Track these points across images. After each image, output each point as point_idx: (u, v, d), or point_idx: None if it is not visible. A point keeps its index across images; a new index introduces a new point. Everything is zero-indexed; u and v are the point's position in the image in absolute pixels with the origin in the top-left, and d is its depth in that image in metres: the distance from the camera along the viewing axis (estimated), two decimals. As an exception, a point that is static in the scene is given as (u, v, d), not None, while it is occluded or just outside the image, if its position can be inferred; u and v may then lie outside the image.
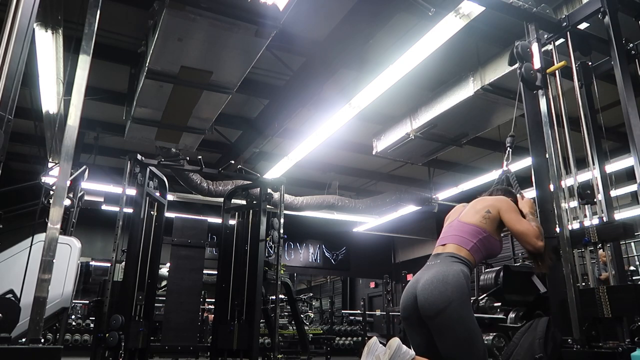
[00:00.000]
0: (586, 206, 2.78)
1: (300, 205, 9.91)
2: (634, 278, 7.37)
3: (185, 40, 4.12)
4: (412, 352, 2.10)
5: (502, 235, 2.51)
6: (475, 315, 3.04)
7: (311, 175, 10.66)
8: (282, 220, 5.75)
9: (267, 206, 5.67)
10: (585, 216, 2.78)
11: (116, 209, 5.04)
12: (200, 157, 5.75)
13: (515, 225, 2.43)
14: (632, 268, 7.88)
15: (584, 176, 3.01)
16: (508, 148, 3.19)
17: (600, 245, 2.63)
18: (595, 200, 2.76)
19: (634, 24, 3.21)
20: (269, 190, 5.75)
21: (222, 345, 5.26)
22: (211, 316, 9.63)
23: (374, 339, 2.24)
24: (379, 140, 7.36)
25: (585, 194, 2.77)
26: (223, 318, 5.40)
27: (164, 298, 6.35)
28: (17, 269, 3.19)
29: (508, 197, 2.62)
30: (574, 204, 2.81)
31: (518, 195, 2.71)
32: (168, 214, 5.59)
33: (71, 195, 4.81)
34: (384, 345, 2.15)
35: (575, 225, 2.78)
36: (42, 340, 2.06)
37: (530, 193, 3.00)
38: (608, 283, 2.67)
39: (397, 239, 15.74)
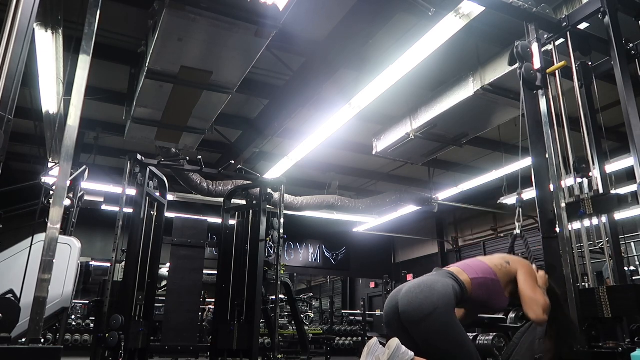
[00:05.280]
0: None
1: (300, 205, 9.91)
2: (634, 278, 7.37)
3: (185, 40, 4.12)
4: (411, 353, 2.09)
5: (508, 292, 2.45)
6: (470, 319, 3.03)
7: (311, 175, 10.66)
8: (282, 220, 5.75)
9: (267, 206, 5.67)
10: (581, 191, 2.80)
11: (116, 209, 5.04)
12: (200, 157, 5.75)
13: (528, 289, 2.39)
14: (632, 268, 7.87)
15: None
16: (518, 208, 3.19)
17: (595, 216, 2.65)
18: (590, 175, 2.78)
19: (634, 24, 3.21)
20: (269, 190, 5.75)
21: (222, 345, 5.26)
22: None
23: (374, 340, 2.23)
24: (379, 140, 7.36)
25: (580, 167, 2.80)
26: (223, 318, 5.40)
27: (164, 298, 6.35)
28: (17, 269, 3.18)
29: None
30: (570, 181, 2.82)
31: (534, 266, 2.67)
32: (168, 214, 5.59)
33: (71, 195, 4.80)
34: (384, 345, 2.15)
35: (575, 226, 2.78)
36: (42, 340, 2.06)
37: (530, 193, 3.00)
38: None
39: (397, 239, 15.74)
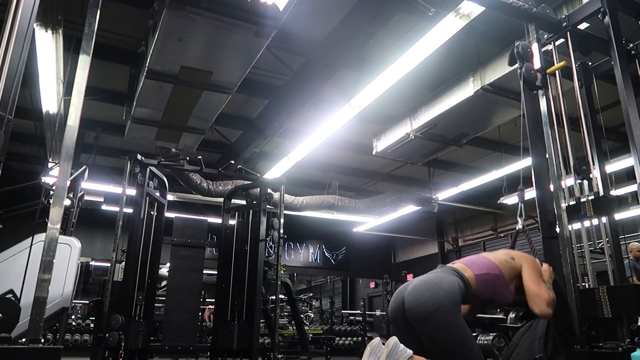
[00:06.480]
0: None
1: (300, 205, 9.91)
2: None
3: (185, 40, 4.12)
4: (409, 350, 2.09)
5: (513, 287, 2.46)
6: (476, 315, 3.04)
7: (311, 175, 10.66)
8: (282, 220, 5.75)
9: (267, 206, 5.67)
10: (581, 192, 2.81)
11: (116, 209, 5.04)
12: (200, 157, 5.75)
13: (533, 284, 2.40)
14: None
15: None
16: (520, 204, 3.19)
17: (595, 218, 2.68)
18: (590, 176, 2.78)
19: (634, 24, 3.21)
20: (269, 190, 5.75)
21: (222, 345, 5.26)
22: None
23: (377, 340, 2.23)
24: (379, 140, 7.36)
25: (580, 169, 2.81)
26: (223, 318, 5.40)
27: (164, 298, 6.35)
28: (17, 269, 3.18)
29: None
30: (570, 181, 2.83)
31: (537, 260, 2.68)
32: (168, 214, 5.58)
33: (71, 195, 4.80)
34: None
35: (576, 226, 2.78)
36: (42, 340, 2.06)
37: (531, 193, 3.00)
38: None
39: (397, 239, 15.74)
